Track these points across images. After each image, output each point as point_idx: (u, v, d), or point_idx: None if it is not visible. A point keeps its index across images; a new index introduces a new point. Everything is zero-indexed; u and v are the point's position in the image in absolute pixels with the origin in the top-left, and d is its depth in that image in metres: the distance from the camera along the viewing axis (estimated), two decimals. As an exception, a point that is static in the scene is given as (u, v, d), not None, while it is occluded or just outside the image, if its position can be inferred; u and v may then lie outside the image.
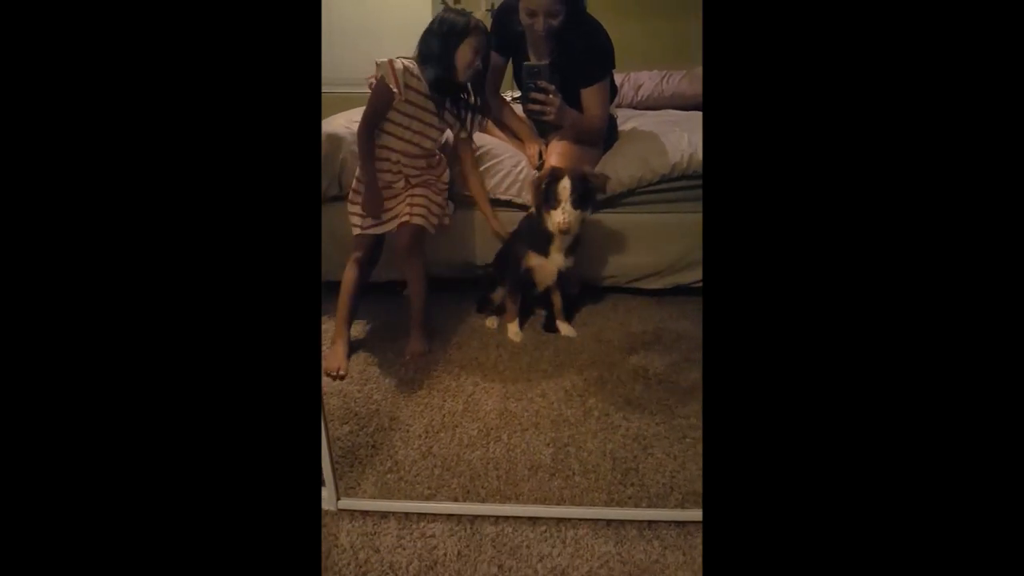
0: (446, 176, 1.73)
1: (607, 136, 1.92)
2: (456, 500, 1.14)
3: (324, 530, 1.08)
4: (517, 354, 1.66)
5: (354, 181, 1.64)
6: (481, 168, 1.82)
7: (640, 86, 2.72)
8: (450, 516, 1.11)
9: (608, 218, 1.88)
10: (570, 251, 1.67)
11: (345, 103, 2.04)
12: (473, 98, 1.67)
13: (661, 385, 1.50)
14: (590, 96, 1.77)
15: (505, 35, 1.76)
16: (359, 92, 1.61)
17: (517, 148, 1.91)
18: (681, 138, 1.89)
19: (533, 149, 1.86)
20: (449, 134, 1.73)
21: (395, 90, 1.52)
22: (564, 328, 1.76)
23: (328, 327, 1.63)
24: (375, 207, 1.60)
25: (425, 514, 1.11)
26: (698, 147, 1.84)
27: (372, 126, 1.57)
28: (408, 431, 1.33)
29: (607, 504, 1.14)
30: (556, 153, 1.77)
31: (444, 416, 1.39)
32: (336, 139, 1.78)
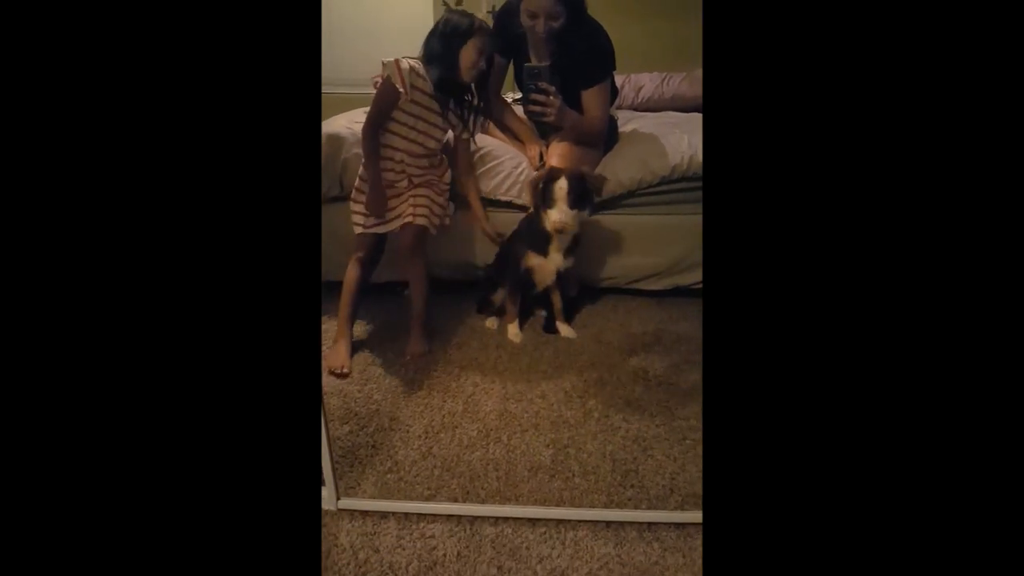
0: (448, 176, 1.74)
1: (607, 138, 1.92)
2: (456, 501, 1.14)
3: (324, 530, 1.08)
4: (517, 355, 1.66)
5: (357, 180, 1.64)
6: (482, 169, 1.82)
7: (640, 88, 2.73)
8: (450, 517, 1.11)
9: (608, 219, 1.88)
10: (569, 251, 1.67)
11: (345, 104, 2.04)
12: (476, 99, 1.67)
13: (661, 387, 1.50)
14: (591, 98, 1.77)
15: (506, 37, 1.76)
16: (359, 92, 1.61)
17: (518, 149, 1.91)
18: (681, 140, 1.89)
19: (534, 150, 1.86)
20: (451, 134, 1.73)
21: (401, 90, 1.53)
22: (564, 329, 1.76)
23: (330, 326, 1.63)
24: (379, 207, 1.60)
25: (425, 514, 1.12)
26: (698, 149, 1.84)
27: (377, 126, 1.57)
28: (408, 431, 1.34)
29: (607, 506, 1.14)
30: (556, 154, 1.77)
31: (444, 417, 1.39)
32: (337, 140, 1.78)
